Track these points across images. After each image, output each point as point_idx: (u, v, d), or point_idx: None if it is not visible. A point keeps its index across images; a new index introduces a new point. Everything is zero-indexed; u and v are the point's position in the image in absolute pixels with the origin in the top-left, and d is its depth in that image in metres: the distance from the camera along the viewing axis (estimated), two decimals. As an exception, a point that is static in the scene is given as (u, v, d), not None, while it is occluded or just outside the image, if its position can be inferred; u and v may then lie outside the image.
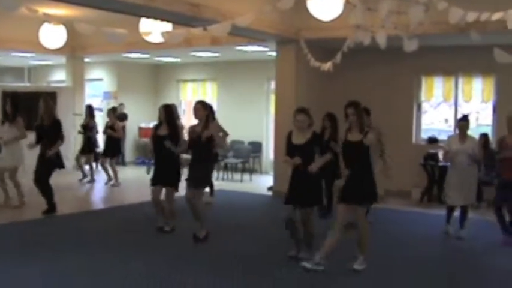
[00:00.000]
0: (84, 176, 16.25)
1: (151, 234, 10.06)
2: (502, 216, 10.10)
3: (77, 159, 16.45)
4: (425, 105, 15.89)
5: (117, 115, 16.78)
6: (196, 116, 9.56)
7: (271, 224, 10.99)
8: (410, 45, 7.95)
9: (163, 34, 7.87)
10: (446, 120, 15.64)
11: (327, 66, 10.26)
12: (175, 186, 10.08)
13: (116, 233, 10.22)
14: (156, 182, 10.09)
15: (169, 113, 10.09)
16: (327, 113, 11.39)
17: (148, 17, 11.11)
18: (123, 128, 18.18)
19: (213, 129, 9.57)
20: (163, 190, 10.12)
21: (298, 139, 8.33)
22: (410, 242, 10.24)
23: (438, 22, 7.70)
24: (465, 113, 12.07)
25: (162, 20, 11.04)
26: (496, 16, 5.20)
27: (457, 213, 10.58)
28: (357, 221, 8.18)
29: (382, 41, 7.86)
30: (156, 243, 9.55)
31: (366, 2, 7.96)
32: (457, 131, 10.57)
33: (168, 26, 11.32)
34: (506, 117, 10.20)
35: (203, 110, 9.52)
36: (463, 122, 10.44)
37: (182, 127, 10.61)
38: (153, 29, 10.09)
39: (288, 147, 8.43)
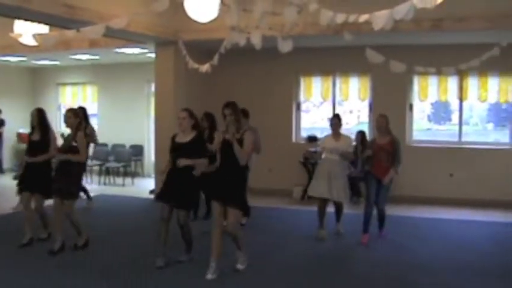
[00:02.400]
0: None
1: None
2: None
3: None
4: (308, 105, 16.23)
5: None
6: (68, 124, 9.41)
7: (152, 228, 10.93)
8: (285, 46, 8.09)
9: (35, 36, 7.70)
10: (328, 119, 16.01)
11: (205, 67, 10.32)
12: (44, 193, 9.73)
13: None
14: (24, 188, 9.78)
15: (42, 117, 9.83)
16: (205, 112, 11.39)
17: (23, 19, 10.83)
18: (0, 134, 17.52)
19: (80, 138, 9.33)
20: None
21: (182, 138, 8.45)
22: (290, 239, 10.42)
23: (314, 23, 7.84)
24: (336, 112, 12.44)
25: (38, 22, 10.78)
26: (363, 18, 5.35)
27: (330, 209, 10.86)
28: (228, 218, 8.16)
29: (257, 41, 7.96)
30: (28, 254, 9.22)
31: (241, 3, 8.05)
32: (331, 131, 10.74)
33: (44, 28, 11.06)
34: (376, 117, 10.59)
35: (74, 117, 9.37)
36: (334, 120, 10.69)
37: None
38: (26, 31, 9.80)
39: (172, 147, 8.50)
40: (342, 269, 8.66)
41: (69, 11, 10.20)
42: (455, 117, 14.76)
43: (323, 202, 10.59)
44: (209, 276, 7.98)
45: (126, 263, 8.64)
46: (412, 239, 10.40)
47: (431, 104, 15.90)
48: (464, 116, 14.62)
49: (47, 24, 10.92)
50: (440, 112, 16.45)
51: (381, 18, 5.03)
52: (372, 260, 9.12)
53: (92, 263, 8.63)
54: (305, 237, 10.55)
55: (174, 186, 8.38)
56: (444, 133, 15.41)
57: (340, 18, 5.77)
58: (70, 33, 7.33)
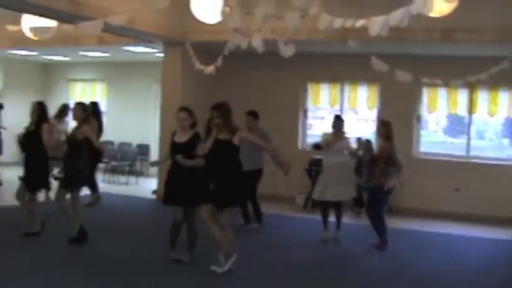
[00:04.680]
0: None
1: (19, 238, 9.66)
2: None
3: None
4: (321, 112, 16.10)
5: None
6: (74, 117, 9.57)
7: (151, 227, 10.85)
8: (287, 50, 7.95)
9: (31, 30, 7.58)
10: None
11: (209, 69, 10.21)
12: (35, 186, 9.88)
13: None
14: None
15: (41, 110, 9.83)
16: None
17: (28, 12, 10.77)
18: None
19: (85, 130, 9.36)
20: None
21: (180, 137, 8.37)
22: (289, 247, 10.29)
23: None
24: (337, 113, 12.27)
25: (43, 16, 10.68)
26: (360, 23, 5.19)
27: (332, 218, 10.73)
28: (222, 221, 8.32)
29: (258, 44, 7.83)
30: (26, 247, 9.18)
31: (245, 6, 7.92)
32: (332, 131, 10.58)
33: (52, 23, 10.98)
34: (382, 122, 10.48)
35: (81, 111, 9.49)
36: (338, 122, 10.56)
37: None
38: (28, 25, 9.72)
39: (170, 146, 8.42)
40: (340, 278, 8.53)
41: (74, 6, 10.13)
42: (471, 131, 14.48)
43: (329, 206, 10.61)
44: (213, 267, 8.18)
45: (119, 262, 8.56)
46: (415, 252, 10.18)
47: (447, 117, 15.62)
48: (479, 130, 14.38)
49: (52, 18, 10.80)
50: (455, 125, 16.17)
51: (376, 24, 4.88)
52: (372, 271, 8.97)
53: (81, 260, 8.55)
54: (304, 245, 10.44)
55: (180, 187, 8.30)
56: (458, 147, 14.96)
57: (337, 23, 5.62)
58: (68, 28, 7.20)
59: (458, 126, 15.83)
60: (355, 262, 9.61)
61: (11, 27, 7.15)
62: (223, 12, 7.97)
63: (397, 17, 4.51)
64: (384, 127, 10.23)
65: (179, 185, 8.31)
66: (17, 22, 11.12)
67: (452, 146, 15.34)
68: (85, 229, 9.48)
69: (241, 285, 7.91)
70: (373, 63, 8.45)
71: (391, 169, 10.07)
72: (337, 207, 10.64)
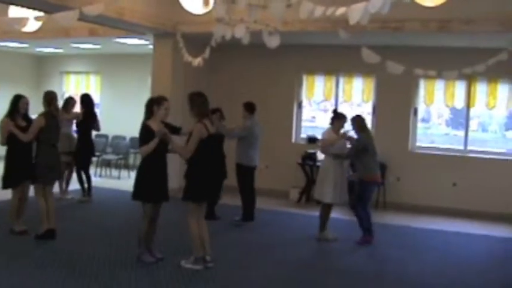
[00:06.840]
0: None
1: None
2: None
3: None
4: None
5: None
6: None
7: (133, 223, 10.59)
8: (272, 41, 7.66)
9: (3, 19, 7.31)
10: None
11: (197, 61, 9.95)
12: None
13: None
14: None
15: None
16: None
17: (14, 4, 10.51)
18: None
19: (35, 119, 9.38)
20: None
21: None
22: (277, 244, 10.00)
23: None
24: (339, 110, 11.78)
25: (29, 7, 10.40)
26: (340, 11, 4.89)
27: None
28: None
29: (241, 35, 7.53)
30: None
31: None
32: (331, 127, 10.18)
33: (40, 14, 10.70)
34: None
35: (43, 100, 9.46)
36: (342, 119, 10.17)
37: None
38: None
39: (151, 135, 7.99)
40: (327, 278, 8.22)
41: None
42: (474, 124, 14.13)
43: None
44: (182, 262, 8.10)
45: (99, 258, 8.35)
46: (406, 250, 9.86)
47: (450, 110, 15.17)
48: (483, 123, 14.04)
49: (37, 9, 10.50)
50: (458, 118, 15.76)
51: (356, 12, 4.58)
52: (357, 270, 8.65)
53: (62, 257, 8.34)
54: (295, 241, 10.18)
55: (164, 182, 8.21)
56: (462, 139, 14.42)
57: (318, 11, 5.31)
58: (42, 18, 6.89)
59: (461, 118, 15.49)
60: (342, 260, 9.31)
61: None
62: (206, 2, 7.66)
63: (377, 4, 4.21)
64: (353, 123, 10.04)
65: (164, 179, 8.21)
66: (5, 14, 10.90)
67: (455, 139, 14.90)
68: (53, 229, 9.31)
69: (217, 284, 7.62)
70: (364, 55, 8.13)
71: (371, 161, 9.90)
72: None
